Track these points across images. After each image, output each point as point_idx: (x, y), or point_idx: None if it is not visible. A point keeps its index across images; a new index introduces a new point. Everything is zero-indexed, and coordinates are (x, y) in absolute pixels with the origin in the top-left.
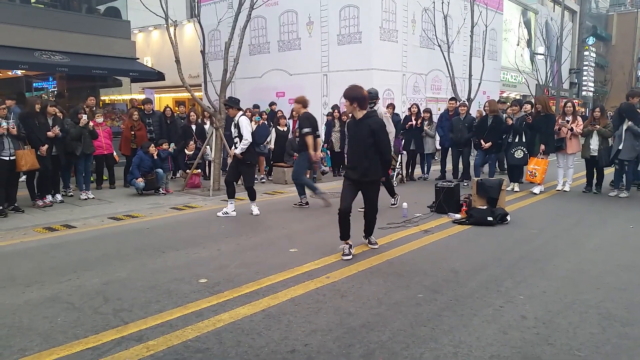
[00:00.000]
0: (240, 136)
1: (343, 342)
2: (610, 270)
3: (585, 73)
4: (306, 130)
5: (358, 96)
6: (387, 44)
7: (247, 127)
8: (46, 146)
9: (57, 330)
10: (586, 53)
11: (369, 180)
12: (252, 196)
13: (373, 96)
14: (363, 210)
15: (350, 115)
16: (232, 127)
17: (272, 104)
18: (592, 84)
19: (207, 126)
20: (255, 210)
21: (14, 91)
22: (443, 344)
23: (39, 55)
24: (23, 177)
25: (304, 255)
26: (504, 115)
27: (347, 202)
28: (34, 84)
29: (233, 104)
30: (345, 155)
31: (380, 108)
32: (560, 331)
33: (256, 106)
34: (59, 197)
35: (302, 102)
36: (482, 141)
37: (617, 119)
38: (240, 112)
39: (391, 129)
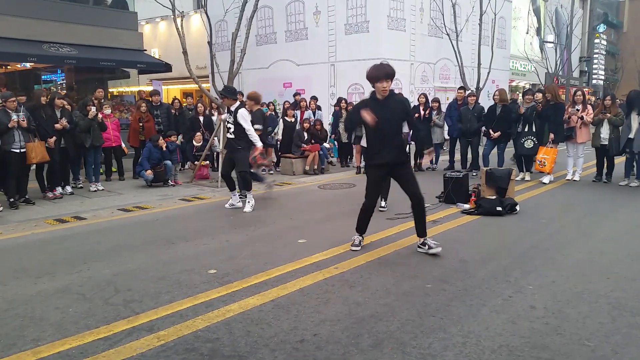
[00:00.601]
0: (236, 125)
1: (352, 332)
2: (620, 260)
3: (595, 61)
4: (257, 126)
5: (393, 72)
6: (395, 33)
7: (246, 118)
8: (54, 138)
9: (69, 321)
10: (597, 40)
11: (404, 160)
12: (246, 185)
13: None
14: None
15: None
16: (228, 116)
17: (296, 94)
18: (603, 72)
19: (214, 118)
20: (247, 206)
21: (23, 84)
22: (452, 334)
23: (47, 47)
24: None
25: (312, 246)
26: (519, 103)
27: (374, 198)
28: (43, 77)
29: (228, 93)
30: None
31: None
32: (569, 321)
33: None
34: (68, 189)
35: (255, 98)
36: (490, 131)
37: (627, 107)
38: (238, 103)
39: None
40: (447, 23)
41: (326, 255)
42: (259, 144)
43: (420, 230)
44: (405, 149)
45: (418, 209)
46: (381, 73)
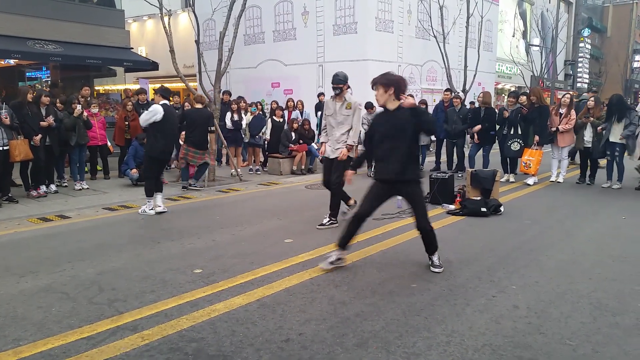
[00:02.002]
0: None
1: (337, 332)
2: (602, 261)
3: (580, 64)
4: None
5: (396, 81)
6: (382, 34)
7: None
8: (39, 136)
9: (52, 320)
10: (581, 44)
11: (407, 179)
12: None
13: (339, 80)
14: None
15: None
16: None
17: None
18: (587, 76)
19: None
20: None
21: (7, 80)
22: (436, 333)
23: (32, 44)
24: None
25: (299, 246)
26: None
27: (367, 207)
28: (27, 74)
29: (162, 92)
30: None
31: (352, 97)
32: (551, 321)
33: (240, 97)
34: (53, 187)
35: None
36: (470, 130)
37: (607, 111)
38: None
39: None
40: (435, 25)
41: (312, 255)
42: None
43: (427, 250)
44: (414, 165)
45: (423, 238)
46: (376, 80)
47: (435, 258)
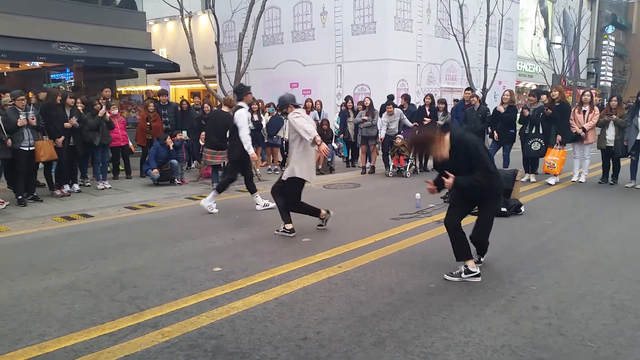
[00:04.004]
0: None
1: (354, 331)
2: (625, 262)
3: (603, 63)
4: None
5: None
6: (401, 33)
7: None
8: (62, 138)
9: (75, 317)
10: (605, 42)
11: (483, 196)
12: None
13: (283, 103)
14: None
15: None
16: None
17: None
18: (611, 74)
19: None
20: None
21: (33, 83)
22: (454, 334)
23: (56, 47)
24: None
25: (316, 245)
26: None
27: (453, 219)
28: (52, 76)
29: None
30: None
31: (299, 111)
32: (572, 322)
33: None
34: (76, 187)
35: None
36: (494, 132)
37: (635, 108)
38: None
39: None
40: (454, 24)
41: (330, 254)
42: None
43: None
44: (488, 186)
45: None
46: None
47: (469, 264)
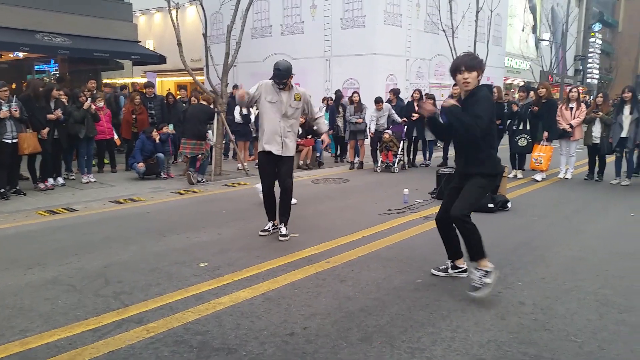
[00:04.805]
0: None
1: (341, 326)
2: (609, 258)
3: (590, 60)
4: None
5: (476, 64)
6: (391, 28)
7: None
8: (47, 129)
9: (58, 312)
10: (592, 39)
11: (469, 172)
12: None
13: (283, 74)
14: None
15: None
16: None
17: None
18: (597, 71)
19: None
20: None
21: (16, 73)
22: (441, 329)
23: (40, 37)
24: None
25: (304, 241)
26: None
27: (445, 207)
28: (36, 67)
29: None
30: (350, 142)
31: (299, 87)
32: (557, 317)
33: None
34: (60, 180)
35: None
36: None
37: (619, 105)
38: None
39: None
40: (443, 19)
41: (318, 249)
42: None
43: (469, 253)
44: (482, 161)
45: (459, 230)
46: (460, 63)
47: (476, 272)
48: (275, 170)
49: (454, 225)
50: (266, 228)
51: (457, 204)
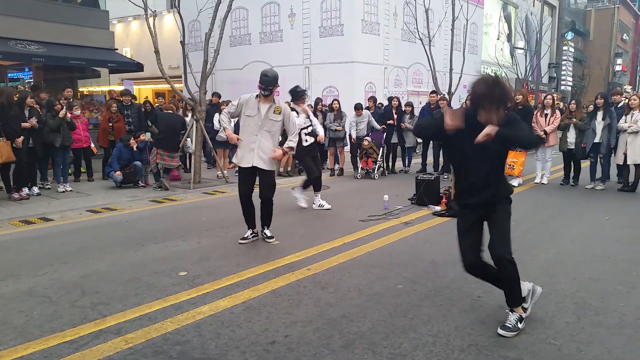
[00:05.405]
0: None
1: (323, 333)
2: (585, 261)
3: (564, 67)
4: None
5: (505, 96)
6: (368, 36)
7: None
8: (22, 138)
9: (33, 324)
10: (565, 48)
11: (495, 201)
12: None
13: (269, 80)
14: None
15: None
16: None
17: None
18: (571, 79)
19: (187, 118)
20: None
21: None
22: (422, 334)
23: (13, 44)
24: None
25: (285, 248)
26: None
27: (467, 256)
28: (9, 74)
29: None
30: (330, 149)
31: (280, 101)
32: (536, 320)
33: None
34: (35, 189)
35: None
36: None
37: (593, 112)
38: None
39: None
40: (420, 28)
41: (298, 256)
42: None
43: (508, 299)
44: (504, 181)
45: (502, 273)
46: (480, 92)
47: (512, 316)
48: (253, 180)
49: (486, 265)
50: (246, 236)
51: (500, 243)
